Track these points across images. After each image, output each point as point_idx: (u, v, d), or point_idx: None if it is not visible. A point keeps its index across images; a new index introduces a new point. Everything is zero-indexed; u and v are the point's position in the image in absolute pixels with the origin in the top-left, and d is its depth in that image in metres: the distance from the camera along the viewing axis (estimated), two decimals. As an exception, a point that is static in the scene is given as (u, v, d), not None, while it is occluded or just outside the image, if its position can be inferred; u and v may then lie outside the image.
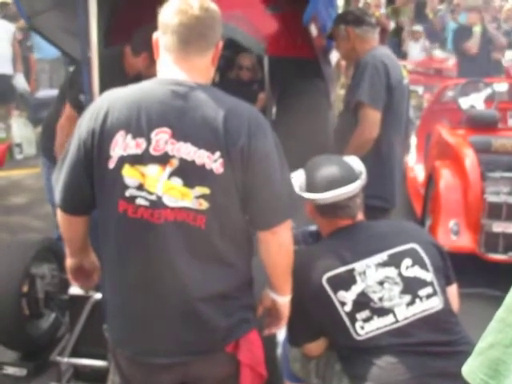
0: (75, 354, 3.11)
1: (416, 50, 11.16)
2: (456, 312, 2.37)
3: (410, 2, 12.36)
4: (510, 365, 1.03)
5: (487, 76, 6.72)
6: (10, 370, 3.45)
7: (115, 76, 3.48)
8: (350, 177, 2.40)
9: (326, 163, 2.48)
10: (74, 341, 3.10)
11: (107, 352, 2.11)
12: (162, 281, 1.87)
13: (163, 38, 1.93)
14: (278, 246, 1.95)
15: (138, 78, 3.66)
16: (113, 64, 3.67)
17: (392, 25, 11.61)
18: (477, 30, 8.50)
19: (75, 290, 2.96)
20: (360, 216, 2.44)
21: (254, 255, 2.02)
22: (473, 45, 8.57)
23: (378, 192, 3.41)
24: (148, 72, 3.46)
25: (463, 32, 8.96)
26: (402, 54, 10.85)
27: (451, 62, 10.06)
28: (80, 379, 3.17)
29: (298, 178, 2.43)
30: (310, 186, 2.42)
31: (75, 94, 3.66)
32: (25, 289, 3.43)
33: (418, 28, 11.34)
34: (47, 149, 4.08)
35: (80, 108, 3.36)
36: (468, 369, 1.10)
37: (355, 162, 2.50)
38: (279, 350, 2.76)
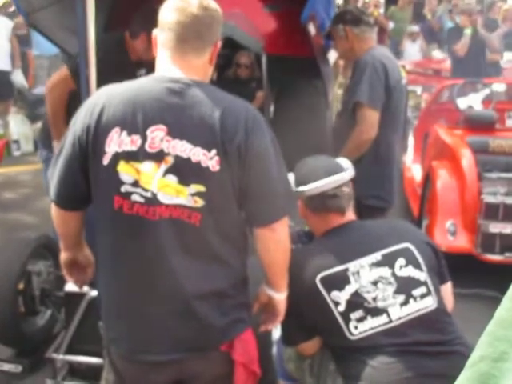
0: (71, 351, 3.11)
1: (414, 49, 11.19)
2: (450, 311, 2.37)
3: (408, 5, 12.39)
4: (500, 379, 1.02)
5: (478, 77, 6.74)
6: (5, 367, 3.45)
7: (121, 62, 3.49)
8: (336, 169, 2.44)
9: (312, 161, 2.53)
10: (70, 338, 3.10)
11: (103, 349, 2.11)
12: (157, 278, 1.87)
13: (161, 35, 1.93)
14: (276, 242, 1.95)
15: (138, 63, 3.67)
16: (117, 51, 3.66)
17: (391, 25, 11.63)
18: (467, 32, 8.55)
19: (71, 287, 2.95)
20: (351, 215, 2.45)
21: (251, 254, 2.02)
22: (460, 47, 8.65)
23: (376, 192, 3.42)
24: (147, 55, 3.40)
25: (455, 33, 9.03)
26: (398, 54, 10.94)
27: (449, 62, 10.08)
28: (75, 376, 3.16)
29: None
30: (299, 182, 2.44)
31: (74, 58, 3.66)
32: (21, 286, 3.43)
33: (415, 28, 11.37)
34: (48, 142, 4.07)
35: (76, 72, 3.37)
36: (459, 382, 1.10)
37: (343, 161, 2.54)
38: (274, 349, 2.76)
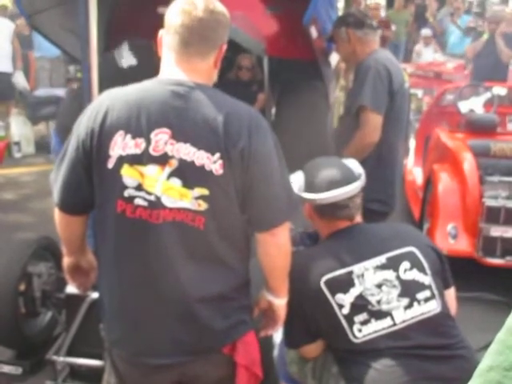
0: (71, 353, 3.10)
1: (428, 53, 11.25)
2: (454, 316, 2.37)
3: (408, 7, 12.43)
4: None
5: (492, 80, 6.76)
6: (5, 369, 3.43)
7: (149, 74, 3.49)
8: (349, 177, 2.41)
9: (325, 165, 2.50)
10: (70, 340, 3.09)
11: (103, 351, 2.10)
12: (160, 281, 1.87)
13: (166, 37, 1.93)
14: (277, 247, 1.95)
15: None
16: (144, 63, 3.64)
17: (392, 28, 11.65)
18: (484, 37, 8.64)
19: (72, 288, 2.95)
20: (358, 218, 2.45)
21: (252, 257, 2.02)
22: (470, 48, 8.75)
23: (378, 196, 3.41)
24: None
25: (475, 36, 9.21)
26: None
27: (451, 65, 10.09)
28: (76, 378, 3.16)
29: (297, 180, 2.44)
30: (310, 187, 2.42)
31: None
32: (22, 287, 3.42)
33: (428, 32, 11.39)
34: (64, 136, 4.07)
35: None
36: None
37: (353, 164, 2.52)
38: (276, 352, 2.75)
